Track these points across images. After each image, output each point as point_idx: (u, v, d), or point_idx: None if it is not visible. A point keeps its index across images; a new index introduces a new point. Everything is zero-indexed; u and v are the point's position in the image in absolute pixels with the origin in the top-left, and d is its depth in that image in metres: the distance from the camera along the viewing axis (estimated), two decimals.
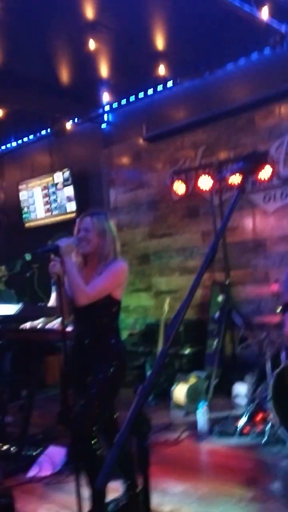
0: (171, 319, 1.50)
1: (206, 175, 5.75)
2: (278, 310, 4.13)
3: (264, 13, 4.14)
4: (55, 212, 7.56)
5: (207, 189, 5.79)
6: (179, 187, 6.08)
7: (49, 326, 3.97)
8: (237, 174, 1.57)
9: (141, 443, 1.15)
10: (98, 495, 2.66)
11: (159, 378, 5.19)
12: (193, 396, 5.00)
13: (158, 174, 6.67)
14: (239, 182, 1.51)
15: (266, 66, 5.42)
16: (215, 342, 5.57)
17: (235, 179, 4.91)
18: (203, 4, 3.87)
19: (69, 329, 3.04)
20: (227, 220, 1.43)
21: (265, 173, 5.07)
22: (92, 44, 4.96)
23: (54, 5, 4.28)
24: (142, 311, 6.88)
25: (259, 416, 4.24)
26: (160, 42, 5.14)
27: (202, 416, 4.44)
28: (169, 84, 6.04)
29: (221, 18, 4.20)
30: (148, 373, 5.38)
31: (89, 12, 4.47)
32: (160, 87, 6.16)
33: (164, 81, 5.98)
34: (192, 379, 5.15)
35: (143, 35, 4.98)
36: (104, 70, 5.75)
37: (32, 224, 7.94)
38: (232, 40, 5.08)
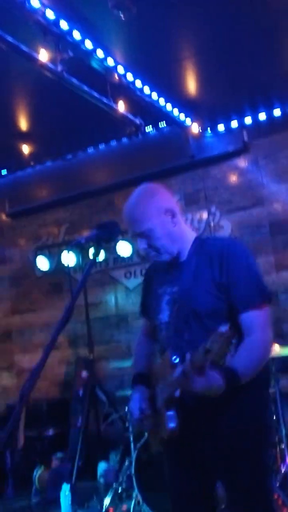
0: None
1: (69, 252, 5.85)
2: None
3: (121, 106, 4.56)
4: None
5: (71, 265, 5.88)
6: (43, 263, 6.09)
7: None
8: (91, 243, 1.67)
9: None
10: None
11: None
12: (56, 480, 4.74)
13: (21, 250, 6.63)
14: (93, 250, 1.61)
15: (124, 153, 5.86)
16: (78, 421, 5.42)
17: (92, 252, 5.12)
18: (65, 94, 4.15)
19: None
20: (83, 285, 1.50)
21: (125, 249, 5.33)
22: None
23: None
24: (3, 392, 6.49)
25: (124, 494, 4.15)
26: (23, 123, 5.31)
27: (65, 501, 4.21)
28: (32, 163, 6.19)
29: (82, 107, 4.51)
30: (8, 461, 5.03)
31: None
32: (23, 165, 6.27)
33: (27, 159, 6.12)
34: (55, 462, 4.91)
35: (6, 115, 5.12)
36: None
37: None
38: (92, 128, 5.45)
